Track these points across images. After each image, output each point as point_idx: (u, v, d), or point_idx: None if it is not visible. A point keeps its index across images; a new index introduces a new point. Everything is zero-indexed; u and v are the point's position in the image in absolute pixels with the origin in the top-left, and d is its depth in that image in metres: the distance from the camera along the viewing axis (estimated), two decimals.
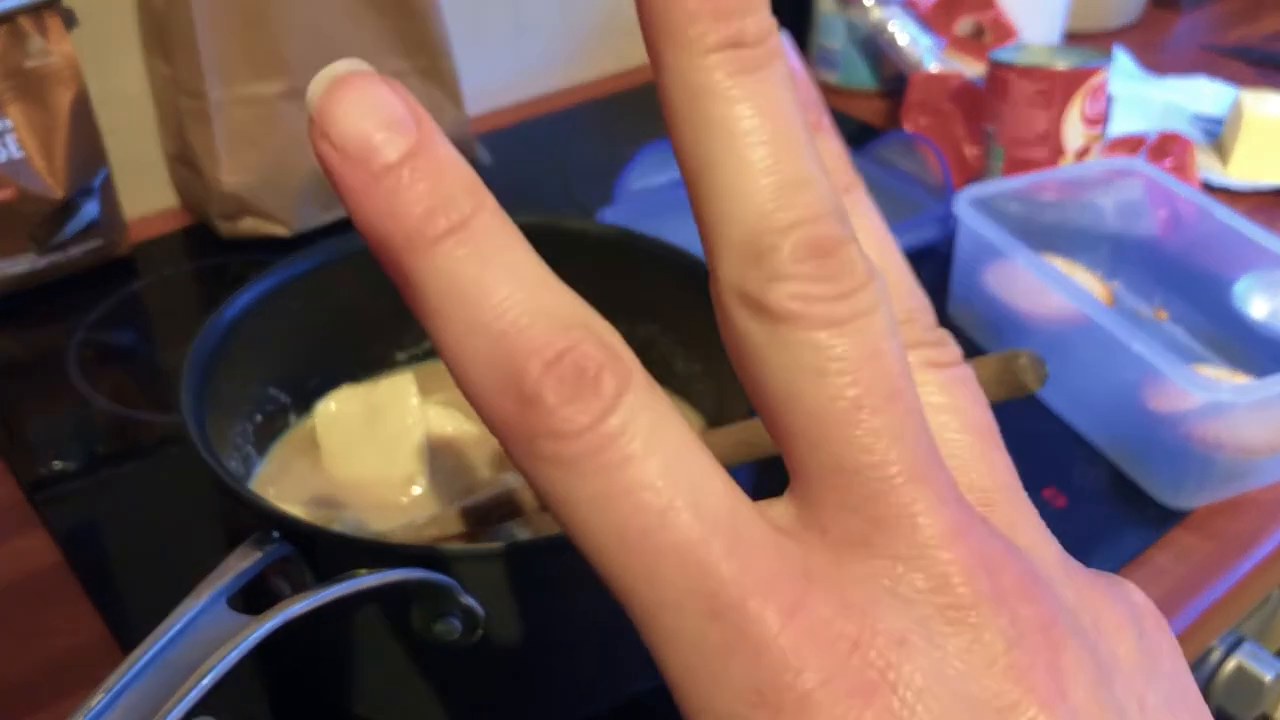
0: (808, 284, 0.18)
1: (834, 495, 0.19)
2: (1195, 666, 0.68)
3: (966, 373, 0.22)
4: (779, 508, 0.20)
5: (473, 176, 0.19)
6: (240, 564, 0.38)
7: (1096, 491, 0.63)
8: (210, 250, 0.84)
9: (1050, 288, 0.66)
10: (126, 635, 0.54)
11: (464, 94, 0.89)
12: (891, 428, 0.18)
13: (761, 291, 0.19)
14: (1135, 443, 0.64)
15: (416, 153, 0.18)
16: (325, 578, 0.43)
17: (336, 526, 0.54)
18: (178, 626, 0.33)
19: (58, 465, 0.65)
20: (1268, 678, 0.67)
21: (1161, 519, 0.62)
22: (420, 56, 0.84)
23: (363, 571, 0.41)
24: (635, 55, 1.11)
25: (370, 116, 0.18)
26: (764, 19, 0.19)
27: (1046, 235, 0.77)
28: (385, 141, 0.18)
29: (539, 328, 0.18)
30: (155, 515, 0.62)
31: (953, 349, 0.23)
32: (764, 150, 0.19)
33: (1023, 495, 0.22)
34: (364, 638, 0.46)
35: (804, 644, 0.17)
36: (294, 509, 0.56)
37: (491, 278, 0.18)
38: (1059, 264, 0.75)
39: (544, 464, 0.18)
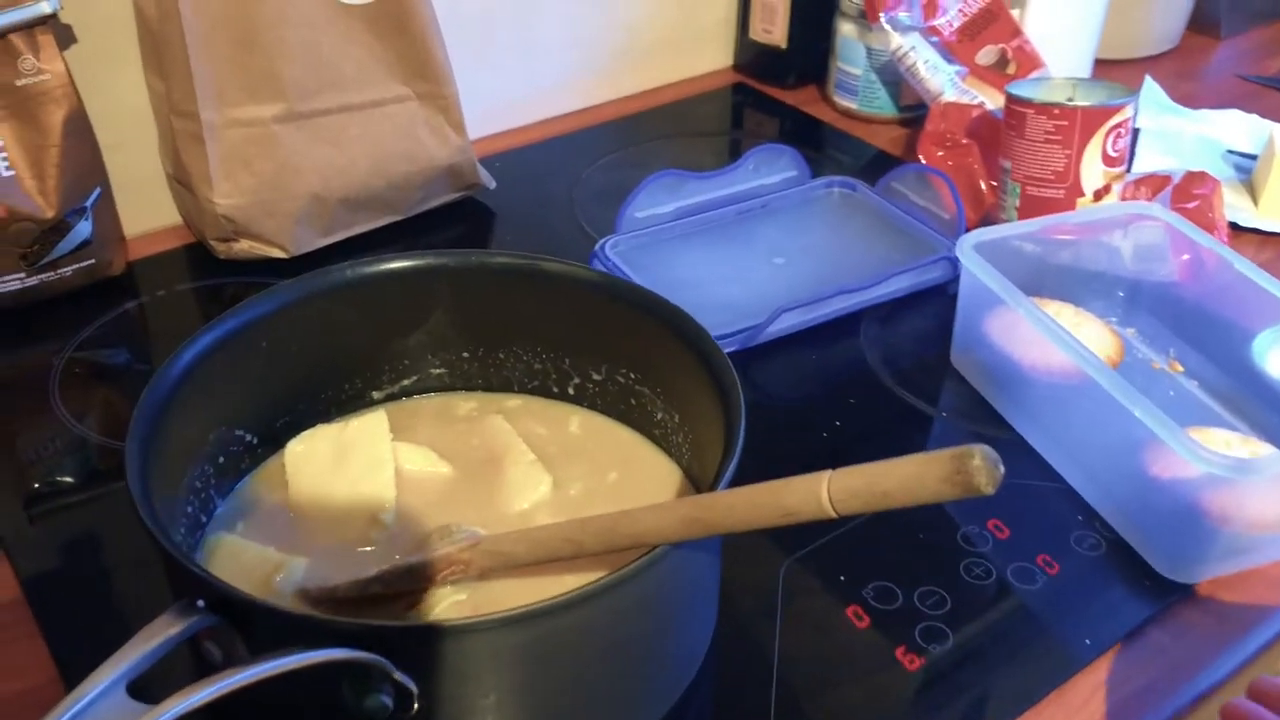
0: None
1: None
2: None
3: None
4: None
5: None
6: (149, 642, 0.36)
7: (1092, 559, 0.60)
8: (209, 269, 0.83)
9: (1049, 339, 0.63)
10: (75, 680, 0.53)
11: (474, 114, 0.88)
12: None
13: None
14: (1135, 509, 0.61)
15: None
16: (254, 645, 0.42)
17: (284, 576, 0.52)
18: (68, 716, 0.32)
19: (34, 488, 0.64)
20: None
21: (1161, 592, 0.59)
22: (420, 82, 0.82)
23: (289, 647, 0.39)
24: (647, 79, 1.09)
25: None
26: None
27: (1059, 277, 0.74)
28: None
29: None
30: (122, 551, 0.60)
31: None
32: None
33: None
34: (293, 707, 0.44)
35: None
36: (257, 546, 0.55)
37: None
38: (1068, 311, 0.72)
39: None
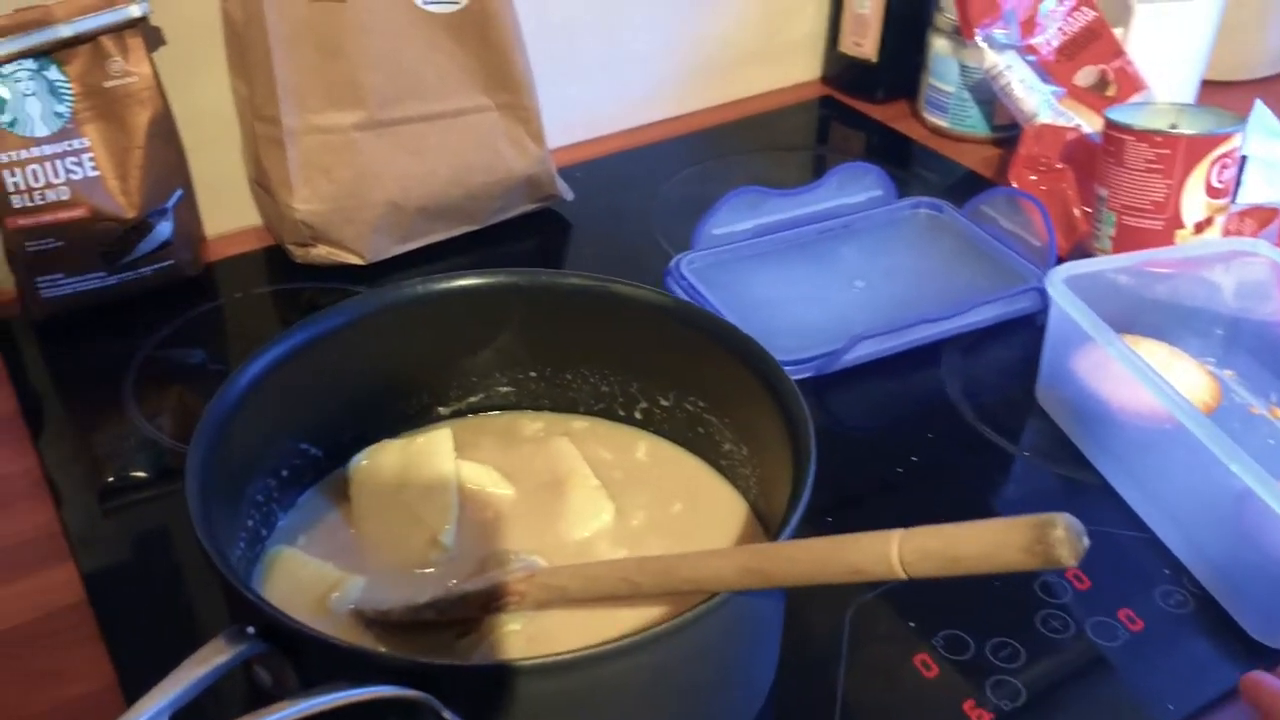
0: None
1: None
2: None
3: None
4: None
5: None
6: (196, 671, 0.36)
7: (1178, 616, 0.57)
8: (286, 273, 0.83)
9: (1140, 381, 0.60)
10: (133, 687, 0.53)
11: (555, 124, 0.87)
12: None
13: None
14: (1227, 566, 0.58)
15: None
16: (304, 673, 0.42)
17: (340, 595, 0.52)
18: None
19: (109, 482, 0.65)
20: None
21: (1252, 656, 0.56)
22: (502, 93, 0.81)
23: (337, 680, 0.38)
24: (732, 90, 1.07)
25: None
26: None
27: (1153, 313, 0.70)
28: None
29: None
30: (187, 550, 0.60)
31: None
32: None
33: None
34: None
35: None
36: (316, 562, 0.54)
37: None
38: (1162, 350, 0.68)
39: None
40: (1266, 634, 0.56)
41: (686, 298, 0.74)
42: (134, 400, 0.71)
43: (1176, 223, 0.76)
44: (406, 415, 0.62)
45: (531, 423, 0.63)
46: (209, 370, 0.77)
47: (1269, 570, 0.55)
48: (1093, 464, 0.66)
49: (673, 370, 0.59)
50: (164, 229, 0.77)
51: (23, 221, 0.72)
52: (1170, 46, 0.94)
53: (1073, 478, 0.65)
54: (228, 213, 0.87)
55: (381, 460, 0.59)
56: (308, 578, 0.53)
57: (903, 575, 0.36)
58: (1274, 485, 0.53)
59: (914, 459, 0.66)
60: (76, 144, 0.73)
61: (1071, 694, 0.53)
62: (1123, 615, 0.57)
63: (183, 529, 0.62)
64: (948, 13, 0.96)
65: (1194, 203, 0.75)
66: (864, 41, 1.05)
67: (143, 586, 0.59)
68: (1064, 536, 0.32)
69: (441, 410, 0.63)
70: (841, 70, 1.09)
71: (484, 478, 0.59)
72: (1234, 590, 0.57)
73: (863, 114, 1.06)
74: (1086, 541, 0.33)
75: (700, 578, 0.41)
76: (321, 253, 0.81)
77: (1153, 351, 0.67)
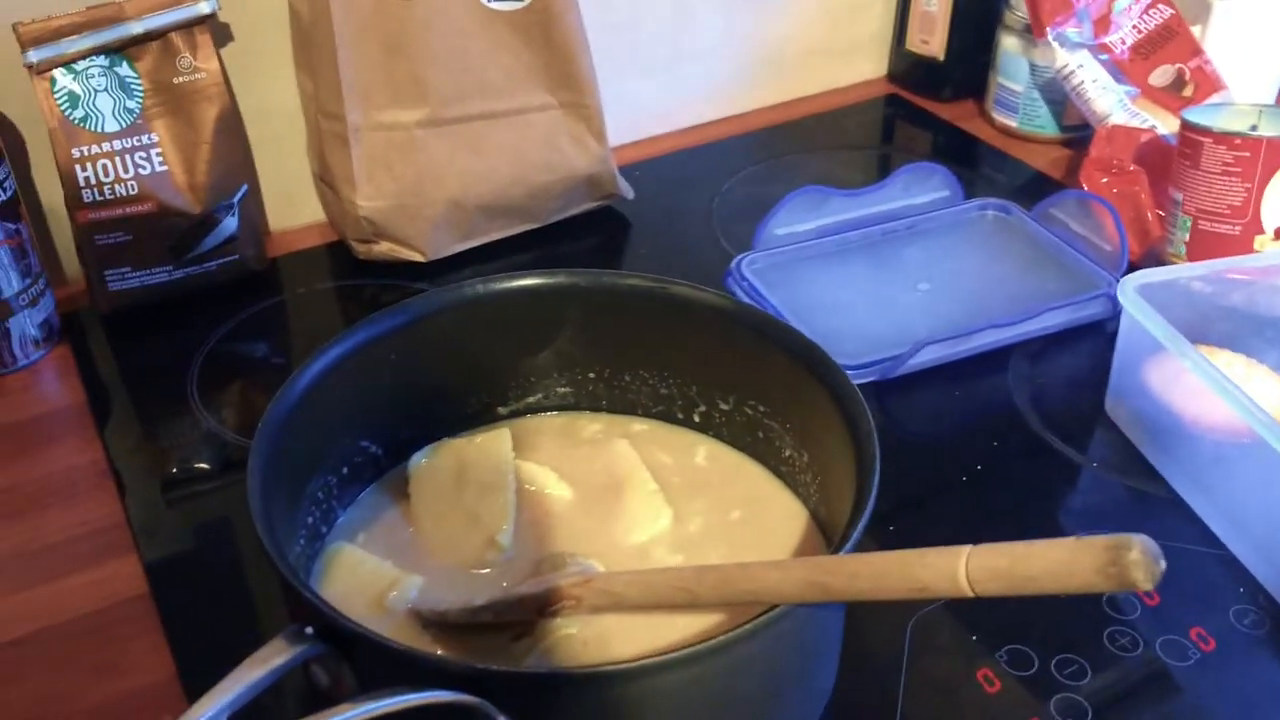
0: None
1: None
2: None
3: None
4: None
5: None
6: (255, 672, 0.36)
7: (1253, 638, 0.55)
8: (349, 269, 0.84)
9: (1216, 393, 0.58)
10: (193, 682, 0.54)
11: (618, 122, 0.86)
12: None
13: None
14: None
15: None
16: (361, 674, 0.42)
17: (398, 594, 0.52)
18: None
19: (173, 472, 0.66)
20: None
21: None
22: (565, 91, 0.81)
23: (394, 684, 0.38)
24: (796, 88, 1.06)
25: None
26: None
27: (1230, 322, 0.68)
28: None
29: None
30: (248, 541, 0.61)
31: None
32: None
33: None
34: None
35: None
36: (375, 560, 0.54)
37: None
38: (1239, 361, 0.66)
39: None
40: None
41: (747, 299, 0.73)
42: (197, 393, 0.72)
43: (1256, 228, 0.73)
44: (465, 415, 0.62)
45: (590, 424, 0.63)
46: (271, 364, 0.77)
47: None
48: (1164, 478, 0.64)
49: (732, 373, 0.58)
50: (229, 224, 0.78)
51: (92, 215, 0.74)
52: (1250, 45, 0.91)
53: (1143, 490, 0.64)
54: (292, 208, 0.88)
55: (440, 459, 0.59)
56: (366, 575, 0.53)
57: (970, 593, 0.35)
58: None
59: (979, 467, 0.65)
60: (145, 139, 0.74)
61: (1138, 714, 0.52)
62: (1194, 634, 0.55)
63: (244, 521, 0.62)
64: (1018, 10, 0.94)
65: (1274, 208, 0.73)
66: (931, 39, 1.03)
67: (204, 579, 0.60)
68: (1140, 559, 0.31)
69: (500, 410, 0.63)
70: (908, 68, 1.07)
71: (542, 478, 0.59)
72: None
73: (929, 113, 1.05)
74: (1163, 564, 0.31)
75: (759, 589, 0.40)
76: (383, 249, 0.81)
77: (1229, 363, 0.65)
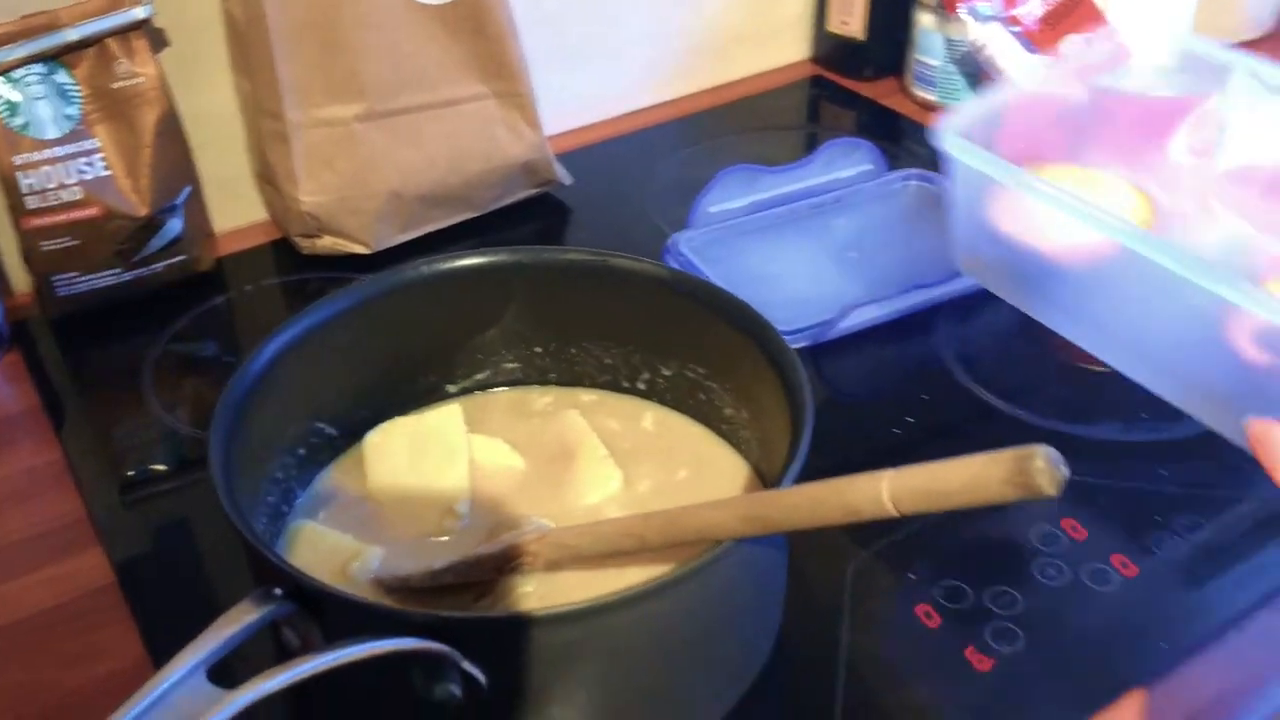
0: None
1: None
2: None
3: None
4: None
5: None
6: (228, 629, 0.38)
7: (1170, 562, 0.59)
8: (293, 265, 0.85)
9: (1070, 215, 0.52)
10: (163, 663, 0.55)
11: (552, 111, 0.89)
12: None
13: None
14: (1209, 386, 0.52)
15: None
16: (329, 632, 0.44)
17: (361, 564, 0.54)
18: (149, 699, 0.34)
19: (129, 475, 0.67)
20: None
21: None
22: (497, 81, 0.83)
23: (361, 635, 0.41)
24: (723, 73, 1.09)
25: None
26: None
27: (1061, 134, 0.64)
28: None
29: None
30: (210, 537, 0.63)
31: None
32: None
33: None
34: (367, 692, 0.46)
35: None
36: (336, 534, 0.56)
37: None
38: (1078, 174, 0.62)
39: None
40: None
41: None
42: (151, 393, 0.73)
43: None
44: (416, 394, 0.64)
45: (540, 397, 0.65)
46: (222, 362, 0.79)
47: (1255, 380, 0.50)
48: (1047, 325, 0.62)
49: (673, 340, 0.61)
50: (175, 225, 0.79)
51: (37, 222, 0.75)
52: (1152, 12, 0.95)
53: (1066, 433, 0.67)
54: (235, 208, 0.89)
55: (394, 436, 0.61)
56: (328, 549, 0.55)
57: (894, 512, 0.38)
58: (1251, 290, 0.47)
59: (910, 419, 0.68)
60: (87, 145, 0.75)
61: (1066, 633, 0.55)
62: (1116, 561, 0.59)
63: (204, 514, 0.64)
64: None
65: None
66: (851, 20, 1.06)
67: (169, 569, 0.61)
68: (1043, 467, 0.34)
69: (450, 389, 0.65)
70: (830, 50, 1.10)
71: (495, 450, 0.61)
72: (1220, 408, 0.53)
73: (853, 92, 1.08)
74: (1065, 471, 0.34)
75: (703, 526, 0.43)
76: (327, 243, 0.83)
77: (1065, 176, 0.61)
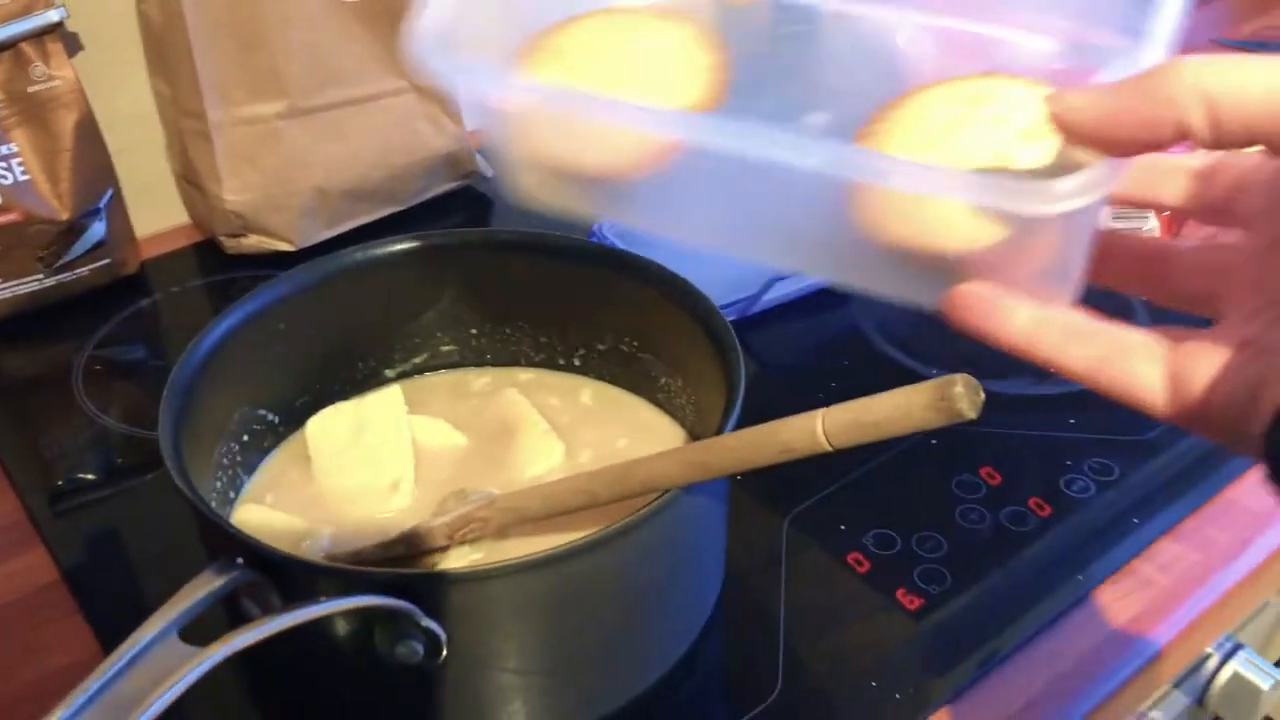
0: None
1: None
2: (1191, 672, 0.68)
3: None
4: None
5: None
6: (194, 594, 0.39)
7: (1082, 501, 0.63)
8: (219, 265, 0.85)
9: (596, 118, 0.38)
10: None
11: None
12: None
13: None
14: (835, 256, 0.40)
15: None
16: (289, 597, 0.45)
17: (311, 542, 0.55)
18: (125, 659, 0.35)
19: (60, 483, 0.67)
20: (1264, 686, 0.66)
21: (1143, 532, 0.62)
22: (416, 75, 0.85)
23: (322, 597, 0.42)
24: None
25: None
26: None
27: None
28: None
29: None
30: (155, 532, 0.63)
31: None
32: None
33: None
34: (330, 655, 0.47)
35: None
36: (285, 516, 0.57)
37: None
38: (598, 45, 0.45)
39: None
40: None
41: None
42: (81, 397, 0.73)
43: None
44: (355, 380, 0.65)
45: (478, 378, 0.67)
46: (151, 364, 0.79)
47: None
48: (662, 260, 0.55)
49: (605, 315, 0.63)
50: (98, 229, 0.79)
51: None
52: None
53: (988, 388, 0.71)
54: (157, 212, 0.89)
55: (336, 420, 0.62)
56: (278, 531, 0.56)
57: (828, 446, 0.40)
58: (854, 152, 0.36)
59: (833, 385, 0.72)
60: (5, 149, 0.74)
61: (988, 572, 0.59)
62: (1032, 503, 0.63)
63: (143, 513, 0.64)
64: None
65: None
66: None
67: (113, 566, 0.62)
68: (963, 391, 0.37)
69: (388, 373, 0.66)
70: None
71: (436, 430, 0.63)
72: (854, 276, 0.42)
73: None
74: (982, 396, 0.37)
75: (648, 476, 0.45)
76: (252, 242, 0.83)
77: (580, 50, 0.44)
